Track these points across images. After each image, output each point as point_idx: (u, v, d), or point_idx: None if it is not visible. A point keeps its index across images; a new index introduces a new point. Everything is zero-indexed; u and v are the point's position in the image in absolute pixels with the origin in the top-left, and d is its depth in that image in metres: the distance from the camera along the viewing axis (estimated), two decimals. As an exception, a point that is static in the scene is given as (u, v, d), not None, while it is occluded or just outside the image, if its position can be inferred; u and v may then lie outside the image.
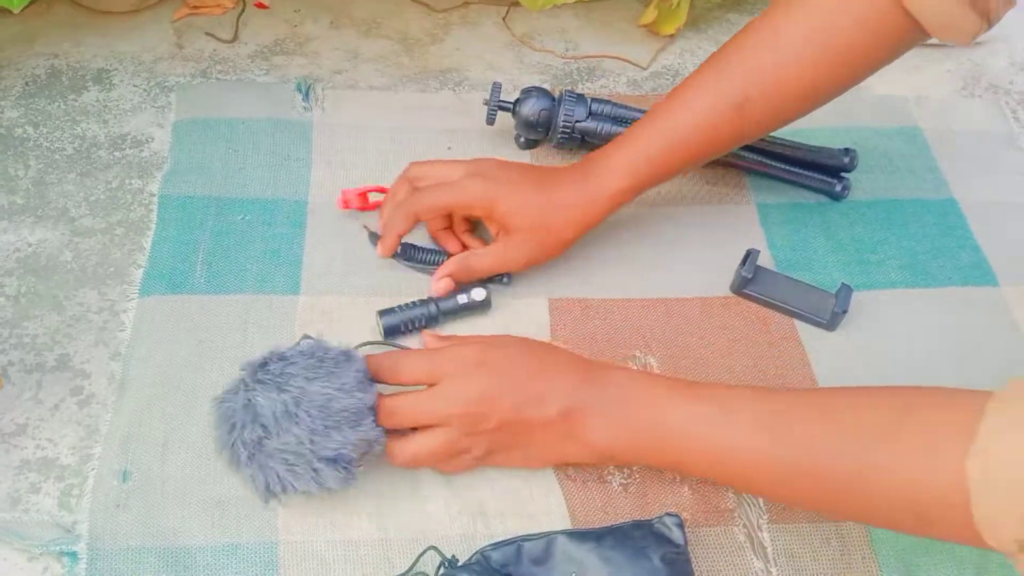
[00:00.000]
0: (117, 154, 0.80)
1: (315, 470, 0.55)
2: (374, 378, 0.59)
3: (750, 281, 0.74)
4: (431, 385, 0.59)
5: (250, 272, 0.72)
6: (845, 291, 0.72)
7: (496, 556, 0.57)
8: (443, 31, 0.96)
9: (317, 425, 0.55)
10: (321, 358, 0.58)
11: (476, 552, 0.57)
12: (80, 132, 0.82)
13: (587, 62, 0.95)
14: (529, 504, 0.62)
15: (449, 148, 0.84)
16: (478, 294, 0.70)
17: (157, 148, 0.81)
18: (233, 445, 0.56)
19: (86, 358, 0.67)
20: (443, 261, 0.72)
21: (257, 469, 0.56)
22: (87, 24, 0.92)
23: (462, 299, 0.70)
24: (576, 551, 0.57)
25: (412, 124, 0.85)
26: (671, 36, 0.98)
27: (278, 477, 0.56)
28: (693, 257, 0.77)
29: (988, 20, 0.63)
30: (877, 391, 0.54)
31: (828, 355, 0.72)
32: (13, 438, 0.63)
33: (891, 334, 0.74)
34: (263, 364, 0.58)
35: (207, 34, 0.92)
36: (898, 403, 0.51)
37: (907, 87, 0.96)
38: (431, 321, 0.69)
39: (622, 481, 0.63)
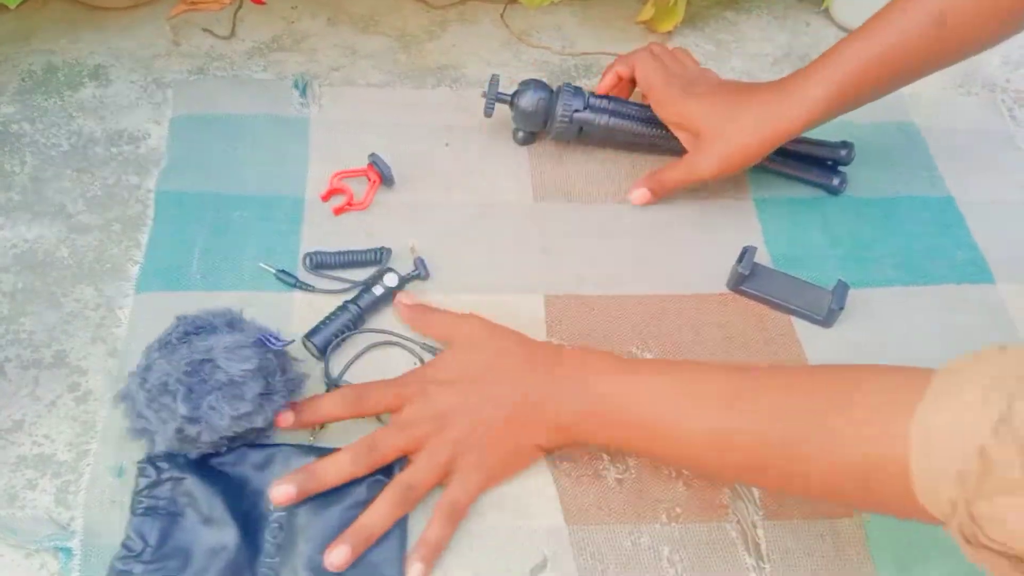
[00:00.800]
0: (114, 150, 0.80)
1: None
2: (340, 416, 0.62)
3: (747, 278, 0.74)
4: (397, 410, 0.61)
5: (247, 269, 0.72)
6: (841, 288, 0.72)
7: (216, 459, 0.59)
8: (440, 28, 0.96)
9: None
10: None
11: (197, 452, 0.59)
12: (76, 128, 0.82)
13: (584, 59, 0.95)
14: (523, 499, 0.62)
15: (447, 144, 0.84)
16: (391, 280, 0.70)
17: (154, 144, 0.81)
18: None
19: (83, 355, 0.67)
20: (356, 258, 0.73)
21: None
22: (83, 20, 0.92)
23: (378, 291, 0.70)
24: (295, 463, 0.60)
25: (409, 121, 0.85)
26: (668, 33, 0.98)
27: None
28: (690, 254, 0.77)
29: None
30: (833, 367, 0.56)
31: (824, 352, 0.72)
32: (10, 434, 0.63)
33: (887, 331, 0.74)
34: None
35: (204, 30, 0.92)
36: (852, 375, 0.52)
37: (904, 84, 0.96)
38: (358, 322, 0.69)
39: (617, 476, 0.64)
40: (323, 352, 0.67)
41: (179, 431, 0.57)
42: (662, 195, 0.77)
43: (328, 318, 0.68)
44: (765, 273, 0.75)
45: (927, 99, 0.94)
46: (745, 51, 0.97)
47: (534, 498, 0.62)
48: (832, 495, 0.52)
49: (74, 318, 0.69)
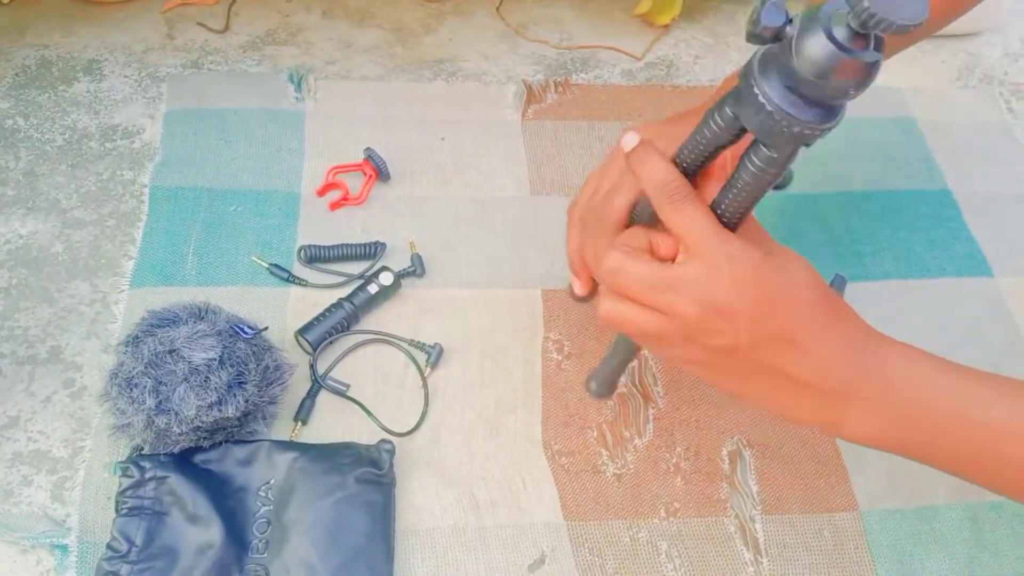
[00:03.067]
0: (108, 145, 0.80)
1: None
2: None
3: (744, 272, 0.73)
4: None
5: (242, 264, 0.71)
6: (839, 282, 0.72)
7: (200, 456, 0.59)
8: (437, 21, 0.96)
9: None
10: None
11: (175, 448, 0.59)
12: (71, 123, 0.81)
13: (582, 52, 0.94)
14: (521, 495, 0.62)
15: (443, 139, 0.83)
16: (386, 279, 0.70)
17: (148, 139, 0.81)
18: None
19: (78, 350, 0.67)
20: (351, 252, 0.71)
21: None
22: (77, 15, 0.91)
23: (373, 289, 0.69)
24: (279, 458, 0.60)
25: (405, 114, 0.85)
26: (666, 26, 0.97)
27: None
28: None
29: None
30: None
31: (822, 346, 0.71)
32: (5, 431, 0.62)
33: (886, 325, 0.72)
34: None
35: (198, 24, 0.92)
36: None
37: (902, 78, 0.96)
38: (352, 320, 0.68)
39: (616, 472, 0.63)
40: (315, 348, 0.66)
41: (149, 423, 0.57)
42: None
43: (322, 315, 0.68)
44: (763, 267, 0.74)
45: (926, 93, 0.93)
46: (744, 44, 0.97)
47: (532, 494, 0.62)
48: None
49: (69, 313, 0.69)
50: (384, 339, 0.69)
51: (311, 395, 0.65)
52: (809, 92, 0.39)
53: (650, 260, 0.47)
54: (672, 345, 0.48)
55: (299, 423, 0.63)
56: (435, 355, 0.67)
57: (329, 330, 0.67)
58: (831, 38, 0.38)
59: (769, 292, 0.44)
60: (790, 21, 0.39)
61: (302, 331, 0.67)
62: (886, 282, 0.76)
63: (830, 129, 0.41)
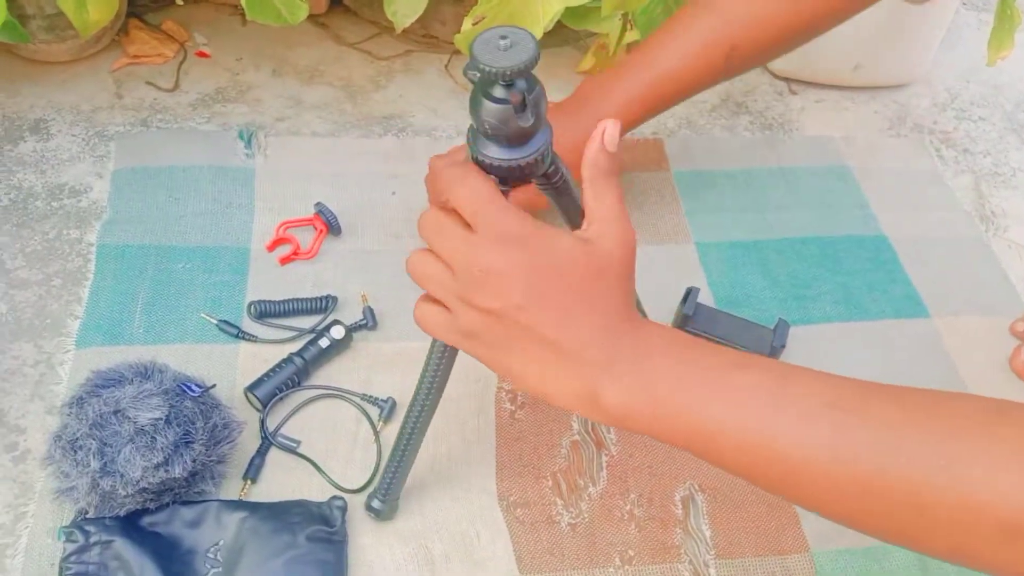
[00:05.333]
0: (55, 204, 0.79)
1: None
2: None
3: (691, 318, 0.75)
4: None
5: (190, 321, 0.71)
6: (782, 326, 0.74)
7: (147, 518, 0.58)
8: (386, 78, 0.98)
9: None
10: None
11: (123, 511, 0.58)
12: (16, 183, 0.81)
13: (528, 107, 0.97)
14: (476, 548, 0.61)
15: (393, 193, 0.84)
16: (337, 332, 0.70)
17: (96, 198, 0.80)
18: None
19: (21, 413, 0.65)
20: (301, 307, 0.72)
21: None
22: (24, 74, 0.91)
23: (324, 343, 0.69)
24: (228, 519, 0.59)
25: (355, 169, 0.86)
26: (610, 81, 1.00)
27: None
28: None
29: None
30: (959, 395, 0.46)
31: (769, 389, 0.73)
32: (-58, 499, 0.61)
33: (828, 367, 0.73)
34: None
35: (147, 83, 0.92)
36: (991, 406, 0.43)
37: (836, 128, 0.99)
38: (301, 375, 0.68)
39: (571, 521, 0.64)
40: (265, 405, 0.66)
41: (94, 485, 0.56)
42: None
43: (272, 370, 0.67)
44: (709, 314, 0.76)
45: (860, 142, 0.97)
46: (684, 97, 1.00)
47: (487, 547, 0.62)
48: (966, 548, 0.41)
49: (12, 375, 0.67)
50: (336, 394, 0.69)
51: (261, 453, 0.64)
52: (488, 134, 0.46)
53: (450, 217, 0.49)
54: (453, 311, 0.49)
55: (248, 482, 0.63)
56: (388, 409, 0.67)
57: (279, 386, 0.67)
58: (485, 93, 0.44)
59: (536, 258, 0.47)
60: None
61: (251, 387, 0.66)
62: (827, 325, 0.79)
63: (530, 162, 0.48)
